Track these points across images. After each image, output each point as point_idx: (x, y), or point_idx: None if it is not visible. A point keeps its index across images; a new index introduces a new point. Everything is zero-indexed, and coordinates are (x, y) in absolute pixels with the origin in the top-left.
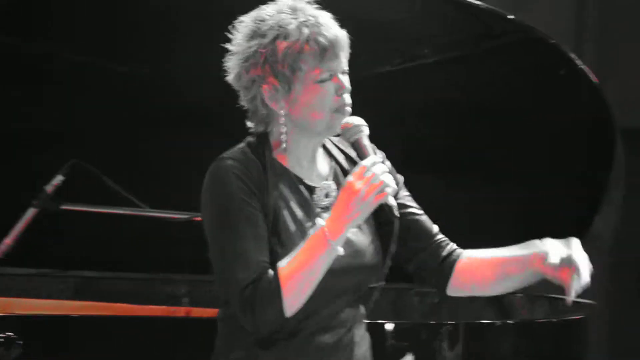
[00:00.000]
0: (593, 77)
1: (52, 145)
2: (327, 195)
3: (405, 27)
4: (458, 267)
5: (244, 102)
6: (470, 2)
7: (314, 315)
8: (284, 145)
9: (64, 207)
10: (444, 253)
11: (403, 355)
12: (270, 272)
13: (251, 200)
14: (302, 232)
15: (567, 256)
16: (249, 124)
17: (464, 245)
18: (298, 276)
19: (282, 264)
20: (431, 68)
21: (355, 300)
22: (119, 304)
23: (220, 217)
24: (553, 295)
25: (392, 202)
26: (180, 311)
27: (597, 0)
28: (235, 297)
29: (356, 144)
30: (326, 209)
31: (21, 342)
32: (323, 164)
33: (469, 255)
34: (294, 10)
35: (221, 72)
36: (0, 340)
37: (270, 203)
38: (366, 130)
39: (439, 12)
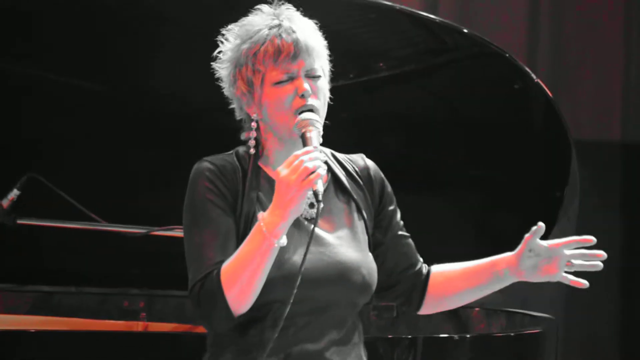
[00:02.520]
0: (548, 91)
1: (7, 159)
2: (311, 206)
3: (359, 40)
4: (430, 284)
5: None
6: (424, 15)
7: (293, 326)
8: (252, 150)
9: (20, 221)
10: (421, 277)
11: None
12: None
13: (218, 201)
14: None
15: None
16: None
17: (423, 255)
18: (237, 271)
19: (227, 261)
20: (385, 82)
21: (340, 317)
22: (76, 319)
23: (187, 215)
24: (511, 310)
25: (318, 188)
26: (137, 326)
27: (550, 14)
28: (189, 293)
29: (303, 136)
30: (312, 220)
31: None
32: None
33: (437, 270)
34: (268, 14)
35: (180, 87)
36: None
37: (244, 209)
38: (318, 126)
39: (394, 26)
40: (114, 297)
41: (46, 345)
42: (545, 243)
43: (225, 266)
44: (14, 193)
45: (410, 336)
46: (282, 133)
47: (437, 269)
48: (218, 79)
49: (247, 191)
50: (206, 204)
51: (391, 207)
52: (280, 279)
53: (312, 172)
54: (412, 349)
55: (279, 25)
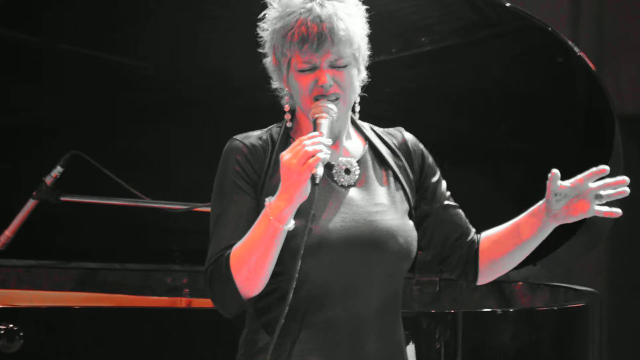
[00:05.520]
0: (591, 65)
1: (51, 136)
2: (347, 172)
3: (402, 15)
4: (480, 252)
5: None
6: None
7: (330, 295)
8: (289, 123)
9: (63, 198)
10: (474, 247)
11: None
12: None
13: (244, 185)
14: (304, 212)
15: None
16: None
17: None
18: (245, 255)
19: (237, 244)
20: (428, 56)
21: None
22: (120, 295)
23: (213, 195)
24: (554, 284)
25: (318, 171)
26: (181, 302)
27: None
28: (203, 274)
29: (314, 122)
30: (349, 187)
31: (22, 334)
32: (355, 146)
33: (484, 236)
34: None
35: (221, 64)
36: (2, 333)
37: (266, 184)
38: (332, 114)
39: (436, 1)
40: (157, 273)
41: (92, 321)
42: (567, 183)
43: (235, 250)
44: (57, 170)
45: (453, 311)
46: (304, 112)
47: (483, 235)
48: (259, 53)
49: (273, 166)
50: (232, 186)
51: (434, 179)
52: (310, 247)
53: (313, 156)
54: (455, 323)
55: (310, 10)
